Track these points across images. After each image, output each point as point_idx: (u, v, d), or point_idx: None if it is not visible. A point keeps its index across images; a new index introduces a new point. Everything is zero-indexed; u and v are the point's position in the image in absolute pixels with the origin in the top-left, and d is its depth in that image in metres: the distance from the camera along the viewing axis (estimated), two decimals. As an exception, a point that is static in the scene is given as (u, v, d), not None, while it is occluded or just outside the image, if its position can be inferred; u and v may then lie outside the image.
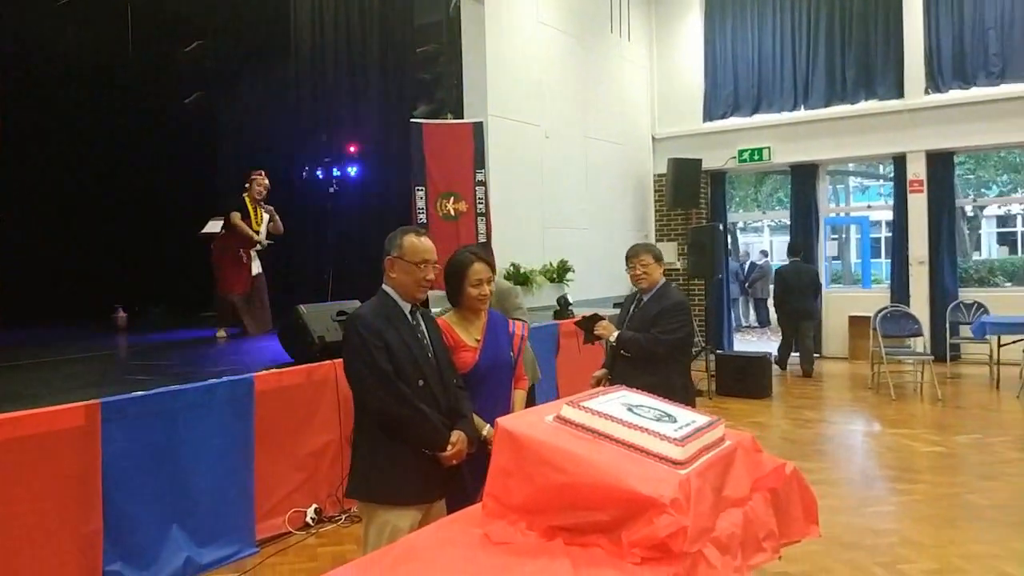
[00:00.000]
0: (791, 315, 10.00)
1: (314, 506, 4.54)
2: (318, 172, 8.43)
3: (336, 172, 8.37)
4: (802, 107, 11.33)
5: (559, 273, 8.90)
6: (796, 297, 9.87)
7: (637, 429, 2.38)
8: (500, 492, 2.40)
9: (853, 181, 18.14)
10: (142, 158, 8.41)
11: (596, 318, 4.18)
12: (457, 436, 2.77)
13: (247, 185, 7.19)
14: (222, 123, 10.27)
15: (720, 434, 2.62)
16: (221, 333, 6.94)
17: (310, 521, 4.50)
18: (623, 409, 2.54)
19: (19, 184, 8.53)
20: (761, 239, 21.10)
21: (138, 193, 8.55)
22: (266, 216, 7.27)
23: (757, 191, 18.92)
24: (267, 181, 7.26)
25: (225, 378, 4.12)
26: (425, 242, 2.83)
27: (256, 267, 7.09)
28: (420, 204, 7.76)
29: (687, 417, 2.60)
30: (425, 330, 2.88)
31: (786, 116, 11.40)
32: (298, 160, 8.58)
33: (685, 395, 4.02)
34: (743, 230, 20.52)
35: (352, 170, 8.41)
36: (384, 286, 2.84)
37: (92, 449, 3.40)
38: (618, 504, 2.18)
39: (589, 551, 2.18)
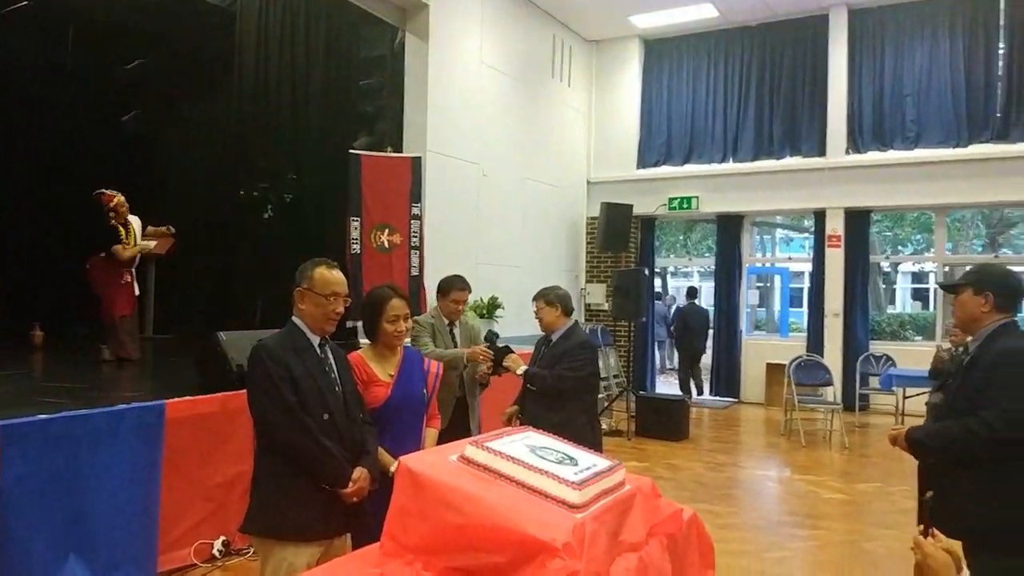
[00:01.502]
0: (688, 351, 11.35)
1: (222, 538, 4.46)
2: (254, 195, 8.37)
3: (272, 198, 8.33)
4: (731, 159, 11.78)
5: (489, 309, 8.99)
6: (693, 335, 11.29)
7: (537, 472, 2.44)
8: (398, 531, 2.43)
9: (780, 233, 18.86)
10: (74, 174, 8.18)
11: (507, 350, 4.33)
12: (359, 473, 2.77)
13: (111, 211, 6.62)
14: (160, 142, 10.11)
15: (620, 478, 2.71)
16: (107, 354, 6.53)
17: (217, 553, 4.41)
18: (526, 451, 2.61)
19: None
20: (690, 284, 21.71)
21: (68, 209, 8.31)
22: (136, 225, 6.86)
23: (687, 238, 19.47)
24: (121, 197, 6.74)
25: (135, 404, 4.04)
26: (335, 275, 2.84)
27: (137, 288, 6.88)
28: (354, 234, 7.77)
29: (588, 460, 2.68)
30: (333, 363, 2.88)
31: (715, 167, 11.84)
32: (235, 183, 8.51)
33: (591, 433, 4.17)
34: (674, 275, 21.07)
35: (288, 197, 8.38)
36: (293, 318, 2.84)
37: (-11, 473, 3.30)
38: (513, 547, 2.24)
39: (483, 592, 2.24)
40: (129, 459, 3.92)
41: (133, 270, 6.76)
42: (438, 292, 4.75)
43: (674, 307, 16.25)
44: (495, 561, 2.25)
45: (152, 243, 6.86)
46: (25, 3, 8.39)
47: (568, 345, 4.26)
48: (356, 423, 2.90)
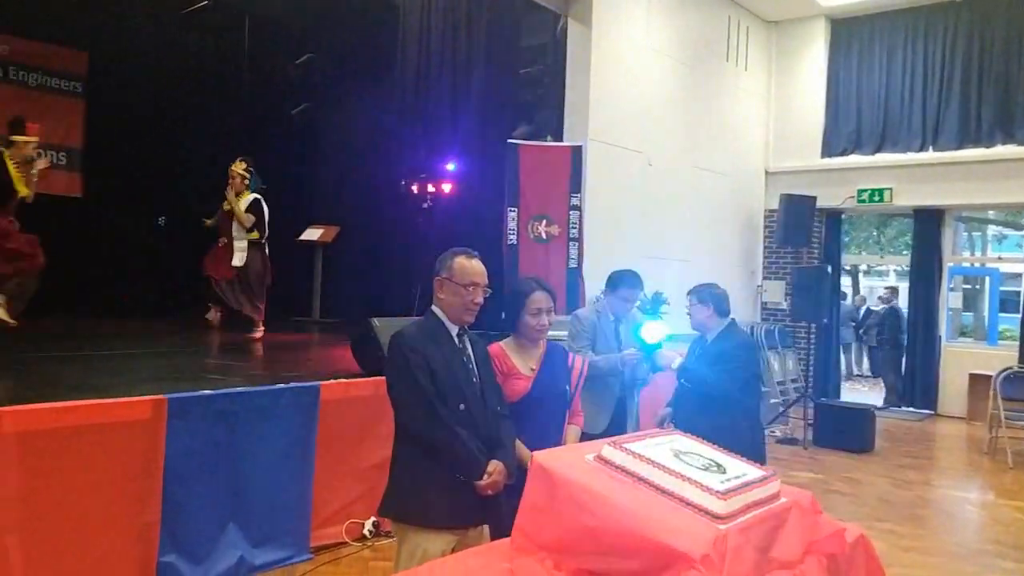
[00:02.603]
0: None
1: (372, 519, 4.53)
2: (413, 187, 8.55)
3: (431, 188, 8.47)
4: (930, 148, 10.64)
5: (652, 305, 8.64)
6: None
7: (679, 477, 2.23)
8: (530, 528, 2.30)
9: (992, 230, 16.88)
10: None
11: (657, 347, 4.11)
12: (494, 467, 2.68)
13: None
14: (324, 134, 10.65)
15: (774, 490, 2.42)
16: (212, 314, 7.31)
17: (367, 534, 4.49)
18: (669, 454, 2.39)
19: (132, 185, 9.05)
20: (886, 283, 19.99)
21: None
22: (243, 201, 7.36)
23: (881, 233, 17.95)
24: (241, 166, 7.39)
25: (292, 384, 4.17)
26: (476, 264, 2.78)
27: (238, 259, 7.21)
28: (511, 225, 7.75)
29: (738, 469, 2.42)
30: (472, 354, 2.81)
31: (912, 156, 10.74)
32: (395, 174, 8.76)
33: (752, 440, 3.83)
34: (867, 273, 19.43)
35: (447, 187, 8.49)
36: (433, 307, 2.81)
37: (156, 443, 3.51)
38: (647, 555, 2.05)
39: (613, 600, 2.05)
40: (285, 437, 4.07)
41: (236, 243, 7.30)
42: (607, 286, 4.48)
43: (864, 308, 15.04)
44: (629, 567, 2.08)
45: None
46: (205, 2, 9.09)
47: (726, 346, 3.99)
48: (493, 415, 2.81)
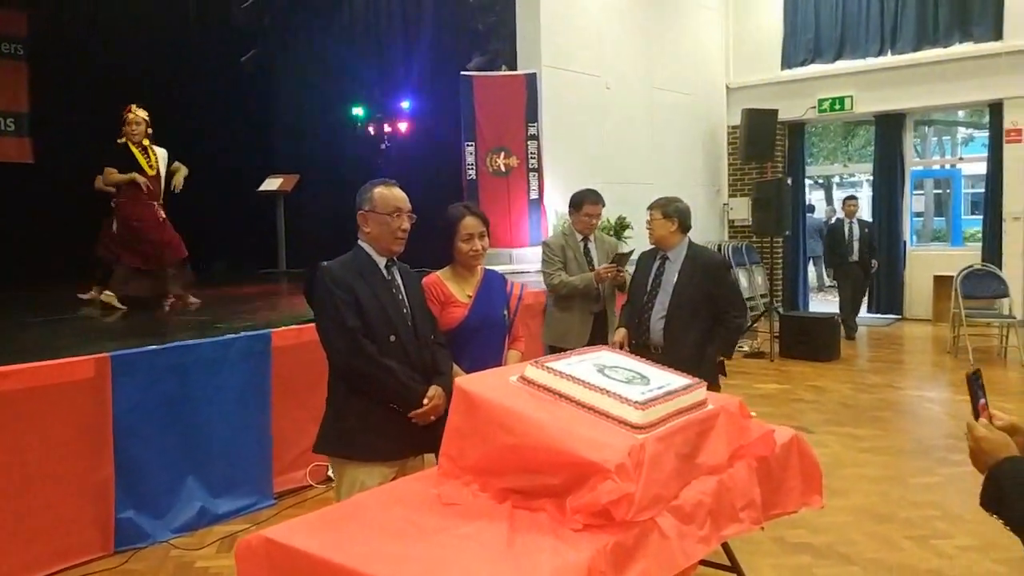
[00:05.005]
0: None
1: (337, 459, 4.58)
2: (370, 129, 8.42)
3: (388, 128, 8.35)
4: (889, 52, 10.53)
5: (617, 230, 8.65)
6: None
7: (599, 391, 2.27)
8: (455, 452, 2.34)
9: (962, 132, 16.86)
10: (199, 118, 8.56)
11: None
12: (434, 391, 2.70)
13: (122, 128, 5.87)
14: (276, 81, 10.41)
15: (699, 398, 2.47)
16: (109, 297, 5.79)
17: (331, 475, 4.54)
18: (592, 370, 2.42)
19: (73, 138, 8.72)
20: (860, 194, 19.91)
21: (198, 152, 8.76)
22: (160, 156, 6.02)
23: (848, 143, 17.87)
24: (143, 113, 5.92)
25: (242, 334, 4.17)
26: (396, 192, 2.76)
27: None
28: (470, 160, 7.69)
29: (662, 379, 2.46)
30: (401, 284, 2.80)
31: (871, 62, 10.62)
32: (351, 116, 8.60)
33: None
34: (840, 185, 19.31)
35: (403, 126, 8.37)
36: (359, 242, 2.79)
37: (103, 400, 3.51)
38: (566, 469, 2.09)
39: (535, 515, 2.11)
40: (239, 386, 4.08)
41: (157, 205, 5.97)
42: (570, 207, 4.71)
43: (834, 219, 15.09)
44: (549, 483, 2.13)
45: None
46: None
47: (707, 264, 3.93)
48: (426, 344, 2.82)
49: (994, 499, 1.50)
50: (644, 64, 9.81)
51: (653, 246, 4.12)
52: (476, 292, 3.13)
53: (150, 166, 5.88)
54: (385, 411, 2.67)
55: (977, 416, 1.60)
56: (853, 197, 9.58)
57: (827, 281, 15.17)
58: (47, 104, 9.00)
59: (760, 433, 2.59)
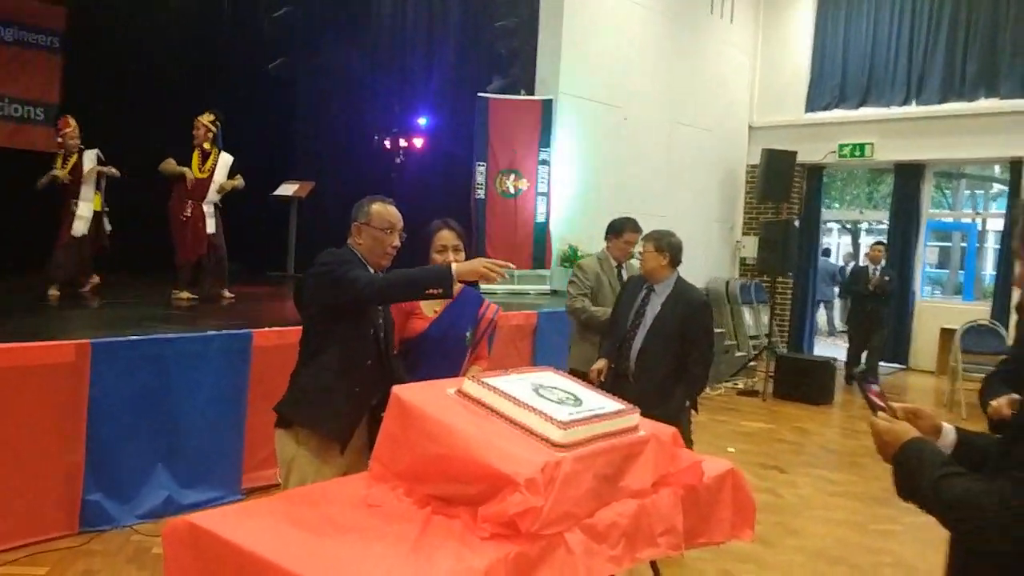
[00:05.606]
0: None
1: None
2: (387, 142, 8.61)
3: (403, 143, 8.53)
4: (913, 102, 10.56)
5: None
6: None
7: (528, 408, 2.34)
8: (386, 457, 2.43)
9: (995, 187, 16.68)
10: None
11: None
12: None
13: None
14: (299, 90, 10.65)
15: (630, 423, 2.53)
16: (183, 294, 6.26)
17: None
18: (528, 388, 2.50)
19: (99, 130, 8.99)
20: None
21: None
22: (221, 162, 6.46)
23: (875, 190, 17.79)
24: (208, 118, 6.46)
25: (224, 331, 4.31)
26: (392, 210, 2.91)
27: (210, 225, 6.40)
28: (480, 179, 7.81)
29: (595, 403, 2.53)
30: None
31: (894, 111, 10.66)
32: (369, 129, 8.80)
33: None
34: (869, 231, 19.16)
35: (419, 142, 8.55)
36: (352, 248, 2.93)
37: (80, 385, 3.64)
38: (483, 480, 2.17)
39: (451, 522, 2.18)
40: (216, 382, 4.19)
41: (206, 208, 6.36)
42: (609, 233, 4.82)
43: (851, 265, 15.03)
44: (467, 492, 2.21)
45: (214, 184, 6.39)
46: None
47: (688, 303, 3.96)
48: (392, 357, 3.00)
49: (905, 485, 1.52)
50: (667, 98, 9.91)
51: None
52: (444, 308, 3.21)
53: (200, 169, 6.38)
54: (349, 401, 2.83)
55: (876, 413, 1.64)
56: (880, 243, 9.31)
57: (839, 327, 15.10)
58: (78, 96, 9.28)
59: (689, 463, 2.65)
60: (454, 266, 2.72)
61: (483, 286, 3.35)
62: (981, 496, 1.34)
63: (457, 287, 3.27)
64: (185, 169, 6.28)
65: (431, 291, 2.69)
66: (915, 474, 1.48)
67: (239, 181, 6.57)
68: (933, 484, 1.43)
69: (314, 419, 2.82)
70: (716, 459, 2.86)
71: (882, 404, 1.66)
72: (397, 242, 2.91)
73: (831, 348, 12.61)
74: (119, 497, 3.79)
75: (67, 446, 3.62)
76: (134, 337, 3.92)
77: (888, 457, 1.55)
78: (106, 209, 6.57)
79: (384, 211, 2.89)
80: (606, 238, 4.83)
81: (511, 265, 2.86)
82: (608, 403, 2.57)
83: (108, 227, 6.58)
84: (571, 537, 2.13)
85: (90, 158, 6.37)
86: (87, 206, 6.30)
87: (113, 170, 6.49)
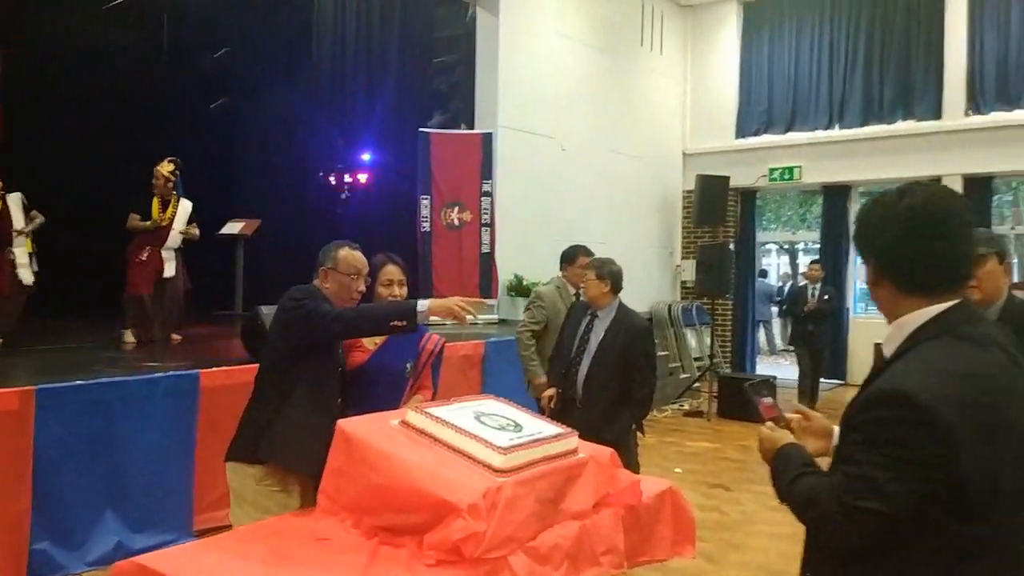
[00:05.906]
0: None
1: (261, 500, 4.67)
2: (331, 178, 8.67)
3: (348, 179, 8.60)
4: (836, 126, 11.05)
5: (566, 287, 8.89)
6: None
7: (469, 436, 2.42)
8: (332, 491, 2.48)
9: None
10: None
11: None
12: None
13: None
14: (243, 128, 10.67)
15: (570, 446, 2.63)
16: (129, 337, 6.20)
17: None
18: (469, 416, 2.58)
19: (51, 185, 8.89)
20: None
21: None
22: (182, 209, 6.54)
23: (807, 211, 18.39)
24: (168, 168, 6.50)
25: (170, 372, 4.29)
26: (358, 255, 3.01)
27: (169, 269, 6.42)
28: (425, 213, 7.91)
29: (535, 428, 2.62)
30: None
31: (820, 135, 11.14)
32: (314, 166, 8.85)
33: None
34: (806, 251, 19.72)
35: (363, 177, 8.64)
36: (319, 287, 2.99)
37: (24, 433, 3.59)
38: (427, 508, 2.24)
39: (397, 551, 2.24)
40: (164, 424, 4.17)
41: (164, 252, 6.39)
42: (563, 261, 4.95)
43: (789, 284, 15.48)
44: (413, 521, 2.27)
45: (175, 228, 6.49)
46: (125, -2, 9.06)
47: (630, 328, 4.09)
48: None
49: (776, 488, 1.62)
50: (601, 128, 10.19)
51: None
52: (384, 341, 3.28)
53: (161, 217, 6.44)
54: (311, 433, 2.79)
55: (764, 422, 1.76)
56: (817, 261, 9.46)
57: (779, 345, 15.51)
58: (18, 139, 9.13)
59: (628, 483, 2.75)
60: (429, 303, 2.81)
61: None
62: (821, 492, 1.46)
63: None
64: (149, 223, 6.36)
65: (395, 324, 2.78)
66: (781, 476, 1.59)
67: (195, 231, 6.61)
68: (789, 484, 1.56)
69: (295, 459, 2.81)
70: (655, 479, 2.97)
71: (774, 414, 1.78)
72: (363, 287, 3.01)
73: (773, 367, 12.97)
74: (68, 544, 3.73)
75: (12, 494, 3.55)
76: (79, 382, 3.88)
77: (768, 462, 1.67)
78: (35, 250, 6.40)
79: (351, 257, 2.98)
80: (561, 267, 4.96)
81: (484, 303, 2.99)
82: (547, 427, 2.67)
83: (35, 268, 6.37)
84: (515, 560, 2.20)
85: (15, 202, 6.20)
86: (22, 252, 6.17)
87: (39, 217, 6.35)
